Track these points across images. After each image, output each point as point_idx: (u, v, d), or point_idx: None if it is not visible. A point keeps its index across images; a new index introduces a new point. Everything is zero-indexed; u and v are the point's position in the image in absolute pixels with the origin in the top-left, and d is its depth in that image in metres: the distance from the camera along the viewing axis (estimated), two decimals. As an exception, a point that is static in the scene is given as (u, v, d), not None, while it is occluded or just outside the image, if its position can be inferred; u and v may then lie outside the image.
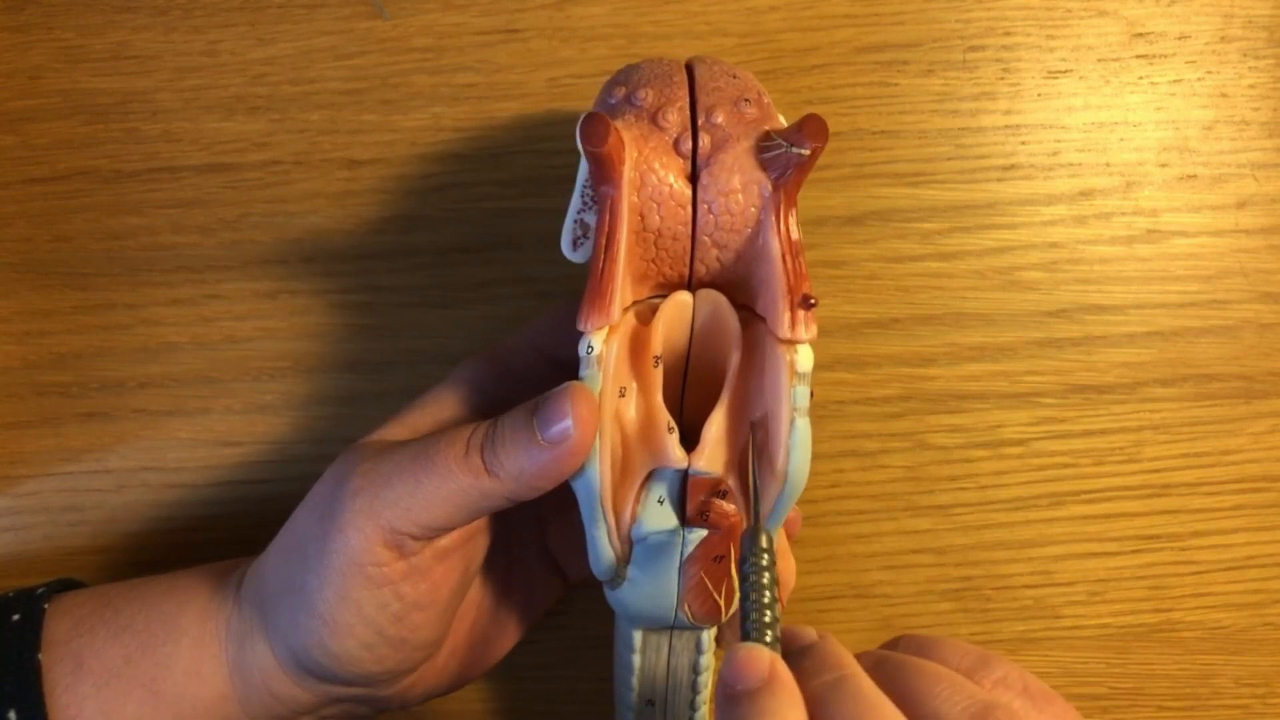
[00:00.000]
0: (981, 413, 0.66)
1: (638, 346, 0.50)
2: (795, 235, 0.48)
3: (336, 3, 0.66)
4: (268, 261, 0.66)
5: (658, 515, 0.49)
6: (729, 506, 0.49)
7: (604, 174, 0.47)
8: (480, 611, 0.59)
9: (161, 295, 0.66)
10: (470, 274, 0.66)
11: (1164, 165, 0.66)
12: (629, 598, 0.52)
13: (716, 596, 0.51)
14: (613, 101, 0.51)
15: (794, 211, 0.48)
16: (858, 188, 0.66)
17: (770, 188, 0.48)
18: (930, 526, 0.67)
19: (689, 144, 0.48)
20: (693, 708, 0.57)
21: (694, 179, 0.49)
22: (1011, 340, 0.66)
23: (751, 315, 0.51)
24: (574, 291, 0.49)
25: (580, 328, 0.48)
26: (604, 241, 0.47)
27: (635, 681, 0.56)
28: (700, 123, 0.49)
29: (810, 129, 0.46)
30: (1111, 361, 0.66)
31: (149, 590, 0.56)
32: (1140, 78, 0.66)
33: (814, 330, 0.48)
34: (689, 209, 0.48)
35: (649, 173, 0.48)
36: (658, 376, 0.50)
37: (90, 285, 0.66)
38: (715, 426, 0.50)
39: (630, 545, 0.50)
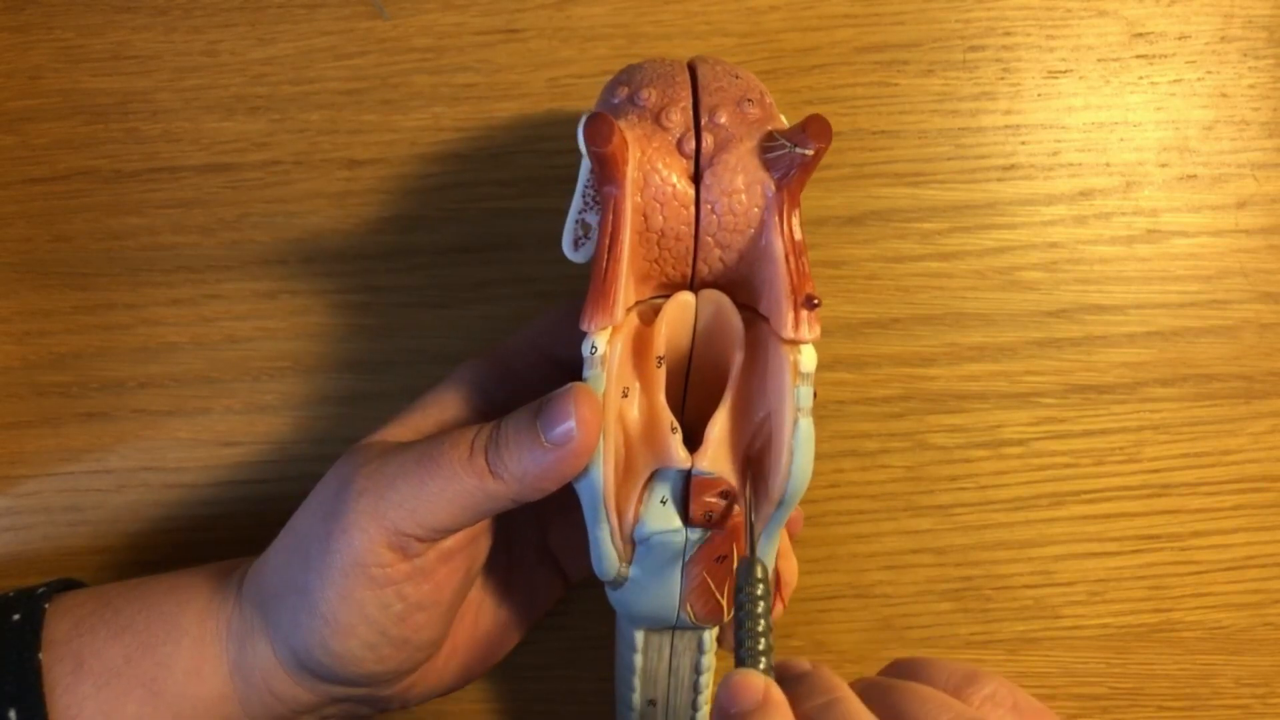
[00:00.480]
0: (981, 413, 0.66)
1: (641, 347, 0.50)
2: (798, 235, 0.48)
3: (336, 3, 0.66)
4: (268, 261, 0.66)
5: (660, 516, 0.49)
6: (732, 507, 0.49)
7: (607, 174, 0.47)
8: (481, 611, 0.59)
9: (161, 295, 0.66)
10: (470, 274, 0.66)
11: (1164, 165, 0.66)
12: (631, 598, 0.52)
13: (719, 597, 0.51)
14: (615, 101, 0.51)
15: (797, 212, 0.48)
16: (858, 188, 0.66)
17: (773, 188, 0.48)
18: (930, 526, 0.67)
19: (692, 144, 0.48)
20: (694, 708, 0.57)
21: (697, 179, 0.49)
22: (1011, 340, 0.66)
23: (754, 315, 0.51)
24: (574, 292, 0.49)
25: (583, 328, 0.48)
26: (607, 242, 0.47)
27: (637, 681, 0.56)
28: (703, 123, 0.49)
29: (814, 129, 0.46)
30: (1111, 361, 0.66)
31: (149, 590, 0.56)
32: (1140, 78, 0.66)
33: (817, 330, 0.48)
34: (692, 209, 0.48)
35: (652, 173, 0.48)
36: (661, 377, 0.50)
37: (90, 285, 0.66)
38: (718, 427, 0.50)
39: (633, 546, 0.50)
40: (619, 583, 0.51)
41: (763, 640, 0.45)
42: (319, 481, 0.53)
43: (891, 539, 0.67)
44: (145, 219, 0.66)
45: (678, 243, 0.49)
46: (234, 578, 0.56)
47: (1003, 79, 0.66)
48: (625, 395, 0.50)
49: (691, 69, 0.52)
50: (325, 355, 0.66)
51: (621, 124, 0.48)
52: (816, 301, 0.48)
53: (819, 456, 0.62)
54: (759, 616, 0.45)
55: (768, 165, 0.48)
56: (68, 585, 0.58)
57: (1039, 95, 0.66)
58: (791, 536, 0.59)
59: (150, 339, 0.66)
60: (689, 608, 0.51)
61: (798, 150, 0.46)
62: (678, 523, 0.49)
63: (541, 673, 0.68)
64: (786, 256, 0.48)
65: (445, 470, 0.48)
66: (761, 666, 0.44)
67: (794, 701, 0.43)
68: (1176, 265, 0.66)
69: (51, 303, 0.66)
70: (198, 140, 0.66)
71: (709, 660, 0.56)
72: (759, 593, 0.46)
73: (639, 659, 0.55)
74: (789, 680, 0.46)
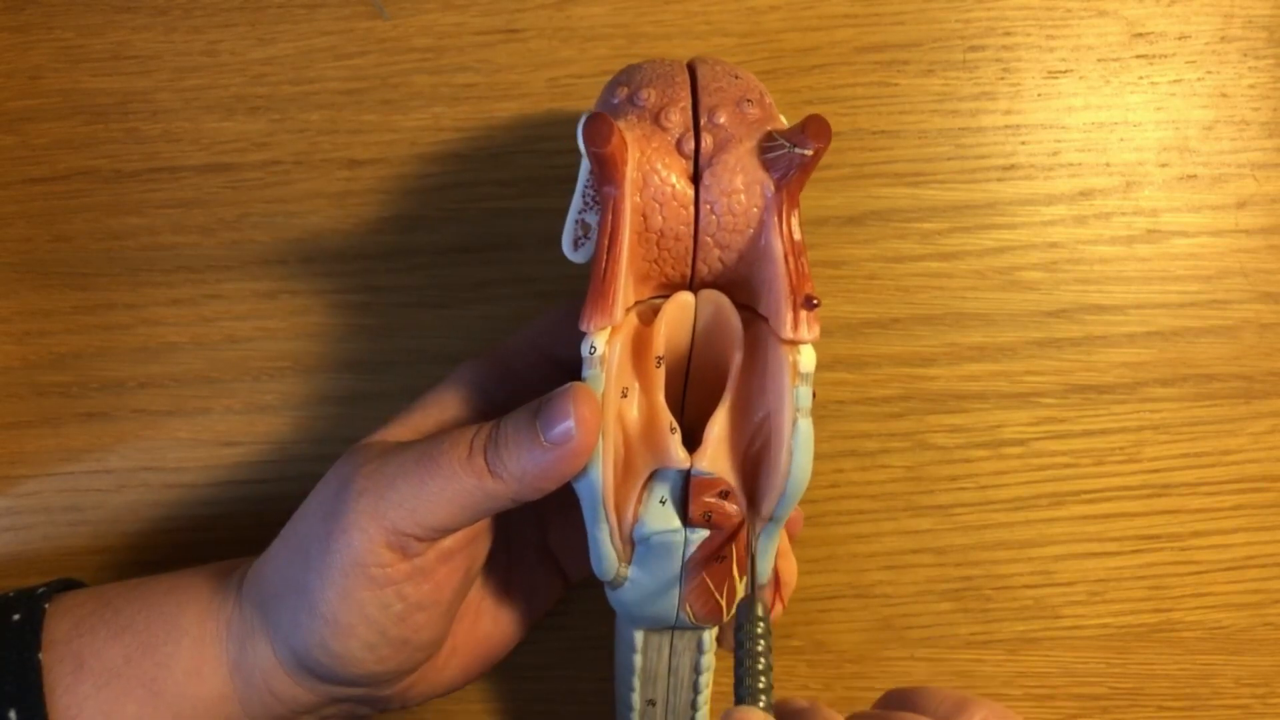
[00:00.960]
0: (981, 413, 0.66)
1: (640, 347, 0.50)
2: (798, 235, 0.48)
3: (336, 3, 0.66)
4: (268, 261, 0.66)
5: (660, 516, 0.49)
6: (731, 507, 0.49)
7: (607, 174, 0.47)
8: (481, 611, 0.59)
9: (161, 295, 0.66)
10: (470, 274, 0.66)
11: (1164, 165, 0.66)
12: (630, 598, 0.52)
13: (718, 597, 0.51)
14: (615, 102, 0.51)
15: (797, 212, 0.48)
16: (858, 188, 0.66)
17: (773, 188, 0.48)
18: (930, 526, 0.67)
19: (691, 144, 0.48)
20: (694, 708, 0.57)
21: (696, 179, 0.49)
22: (1011, 340, 0.66)
23: (754, 315, 0.51)
24: (574, 292, 0.49)
25: (583, 328, 0.48)
26: (606, 242, 0.47)
27: (636, 682, 0.56)
28: (703, 123, 0.49)
29: (813, 129, 0.46)
30: (1111, 361, 0.66)
31: (149, 590, 0.56)
32: (1140, 78, 0.66)
33: (816, 331, 0.48)
34: (691, 209, 0.48)
35: (651, 173, 0.48)
36: (660, 377, 0.50)
37: (90, 285, 0.66)
38: (718, 427, 0.50)
39: (632, 546, 0.50)
40: (618, 583, 0.51)
41: (763, 679, 0.45)
42: (319, 482, 0.53)
43: (891, 539, 0.67)
44: (145, 219, 0.66)
45: (677, 243, 0.49)
46: (234, 578, 0.56)
47: (1003, 79, 0.66)
48: (624, 395, 0.50)
49: (691, 69, 0.52)
50: (325, 355, 0.66)
51: (621, 124, 0.48)
52: (816, 302, 0.48)
53: (819, 456, 0.62)
54: (759, 655, 0.45)
55: (767, 165, 0.48)
56: (68, 585, 0.58)
57: (1039, 95, 0.66)
58: (791, 537, 0.59)
59: (150, 339, 0.66)
60: (688, 608, 0.51)
61: (797, 150, 0.46)
62: (677, 523, 0.49)
63: (541, 673, 0.68)
64: (786, 256, 0.48)
65: (445, 470, 0.48)
66: (761, 705, 0.44)
67: None
68: (1176, 265, 0.66)
69: (51, 303, 0.66)
70: (198, 140, 0.66)
71: (708, 660, 0.56)
72: (759, 631, 0.46)
73: (638, 659, 0.55)
74: (788, 716, 0.46)
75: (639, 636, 0.55)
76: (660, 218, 0.48)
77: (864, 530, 0.67)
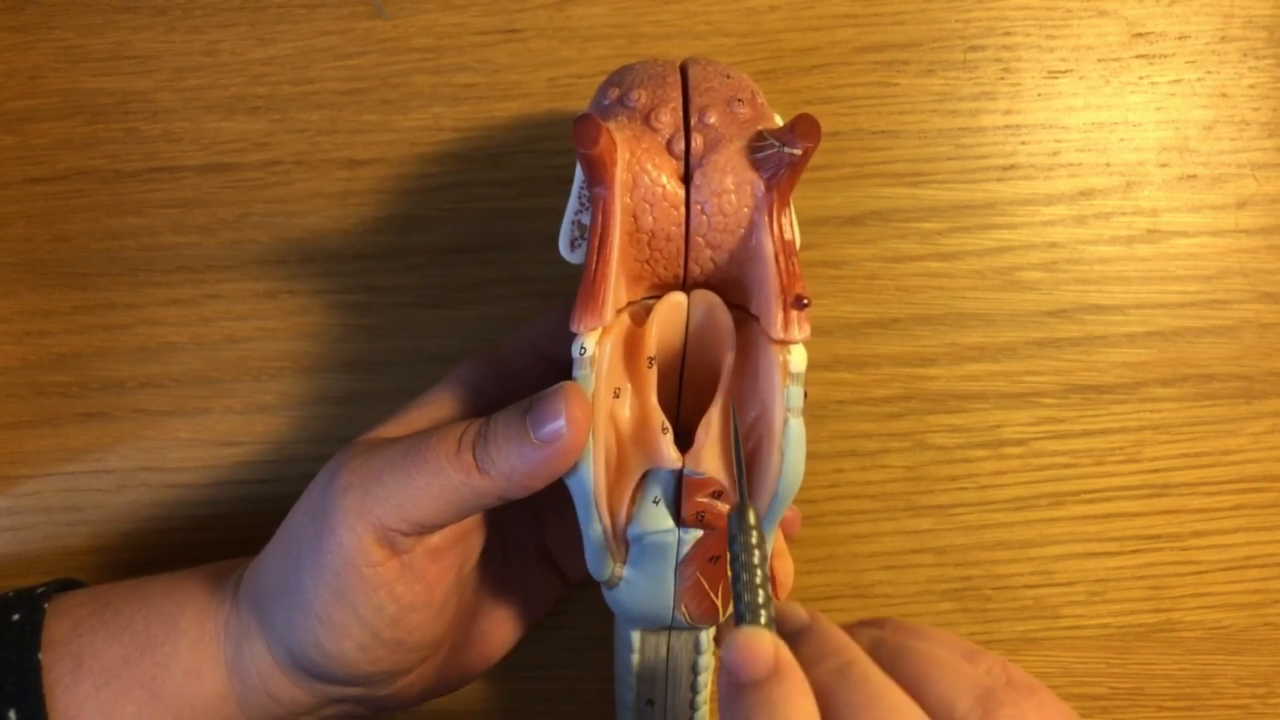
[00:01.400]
0: (981, 413, 0.66)
1: (632, 347, 0.50)
2: (788, 235, 0.48)
3: (336, 3, 0.66)
4: (268, 261, 0.66)
5: (653, 516, 0.49)
6: (724, 507, 0.49)
7: (596, 175, 0.47)
8: (479, 611, 0.59)
9: (161, 295, 0.66)
10: (468, 274, 0.66)
11: (1164, 165, 0.66)
12: (626, 598, 0.52)
13: (713, 597, 0.51)
14: (606, 103, 0.51)
15: (787, 211, 0.48)
16: (858, 188, 0.66)
17: (763, 187, 0.48)
18: (930, 526, 0.67)
19: (681, 144, 0.48)
20: (693, 707, 0.57)
21: (687, 180, 0.48)
22: (1011, 340, 0.66)
23: (746, 315, 0.51)
24: (572, 292, 0.49)
25: (573, 329, 0.48)
26: (596, 243, 0.47)
27: (634, 681, 0.56)
28: (693, 123, 0.49)
29: (802, 129, 0.46)
30: (1111, 361, 0.66)
31: (148, 590, 0.56)
32: (1140, 78, 0.66)
33: (807, 330, 0.48)
34: (682, 210, 0.48)
35: (641, 174, 0.48)
36: (652, 377, 0.50)
37: (90, 285, 0.66)
38: (710, 427, 0.50)
39: (626, 546, 0.50)
40: (613, 583, 0.51)
41: (761, 592, 0.43)
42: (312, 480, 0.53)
43: (891, 539, 0.67)
44: (145, 219, 0.66)
45: (668, 243, 0.49)
46: (231, 578, 0.56)
47: (1003, 79, 0.66)
48: (617, 395, 0.50)
49: (683, 70, 0.52)
50: (324, 355, 0.66)
51: (611, 125, 0.48)
52: (806, 302, 0.47)
53: (819, 456, 0.63)
54: (755, 567, 0.44)
55: (757, 165, 0.48)
56: (67, 585, 0.58)
57: (1039, 95, 0.66)
58: (788, 537, 0.59)
59: (150, 339, 0.66)
60: (683, 608, 0.51)
61: (786, 150, 0.46)
62: (670, 523, 0.49)
63: (541, 673, 0.68)
64: (776, 256, 0.48)
65: (431, 465, 0.48)
66: (763, 621, 0.43)
67: (803, 663, 0.42)
68: (1176, 265, 0.66)
69: (51, 303, 0.66)
70: (198, 140, 0.66)
71: (706, 660, 0.56)
72: (753, 541, 0.44)
73: (636, 659, 0.55)
74: (793, 636, 0.45)
75: (636, 636, 0.55)
76: (651, 218, 0.48)
77: (864, 530, 0.67)
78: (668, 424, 0.49)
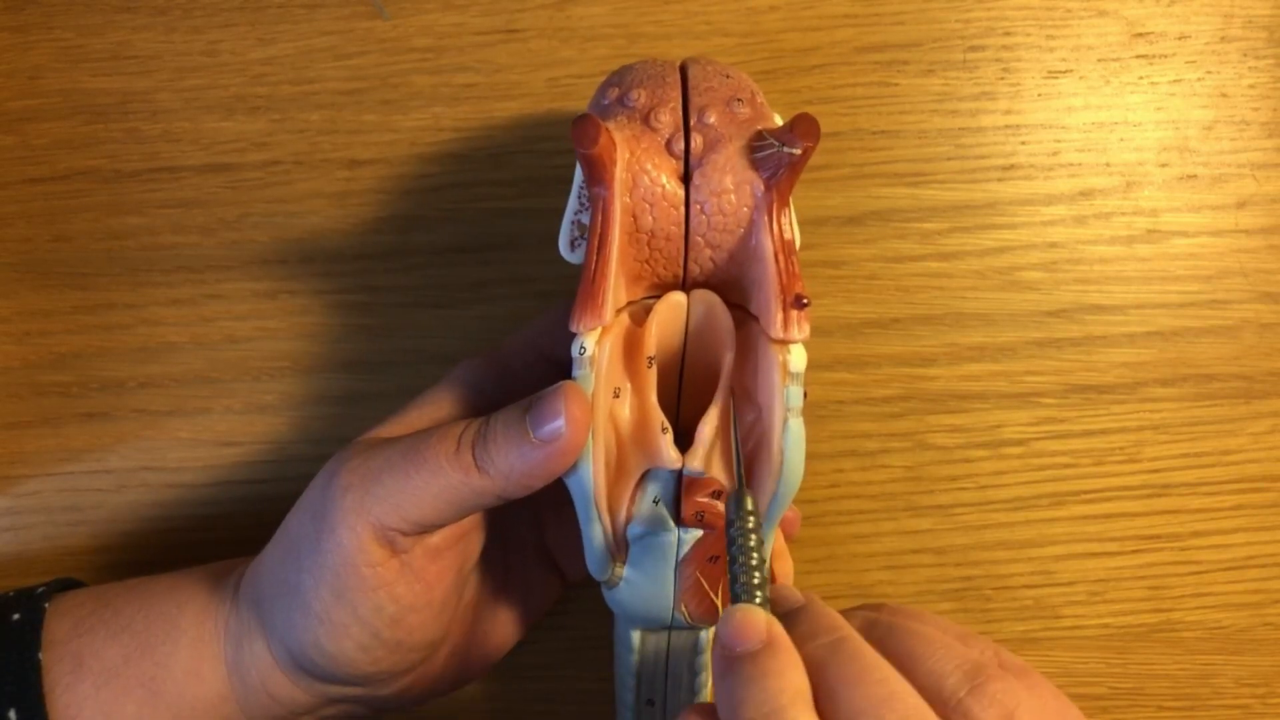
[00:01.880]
0: (981, 413, 0.66)
1: (631, 347, 0.50)
2: (788, 235, 0.48)
3: (336, 3, 0.66)
4: (268, 261, 0.66)
5: (653, 516, 0.49)
6: (724, 507, 0.49)
7: (595, 175, 0.47)
8: (479, 611, 0.59)
9: (161, 295, 0.66)
10: (468, 274, 0.66)
11: (1164, 165, 0.66)
12: (626, 598, 0.52)
13: (713, 597, 0.51)
14: (606, 103, 0.51)
15: (787, 211, 0.48)
16: (858, 188, 0.66)
17: (762, 187, 0.48)
18: (930, 526, 0.67)
19: (681, 144, 0.48)
20: (693, 707, 0.57)
21: (686, 179, 0.48)
22: (1011, 340, 0.66)
23: (745, 315, 0.51)
24: (572, 292, 0.49)
25: (572, 329, 0.48)
26: (596, 243, 0.47)
27: (634, 681, 0.56)
28: (692, 123, 0.49)
29: (801, 128, 0.46)
30: (1111, 361, 0.66)
31: (148, 590, 0.56)
32: (1140, 78, 0.66)
33: (806, 330, 0.48)
34: (682, 209, 0.48)
35: (641, 174, 0.48)
36: (651, 377, 0.50)
37: (90, 285, 0.66)
38: (709, 427, 0.50)
39: (626, 545, 0.50)
40: (613, 583, 0.51)
41: (757, 574, 0.44)
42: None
43: (891, 539, 0.67)
44: (145, 219, 0.66)
45: (668, 243, 0.49)
46: (232, 578, 0.56)
47: (1003, 79, 0.66)
48: (617, 395, 0.50)
49: (683, 69, 0.52)
50: (324, 355, 0.66)
51: (610, 125, 0.48)
52: (806, 301, 0.47)
53: (819, 456, 0.63)
54: (752, 550, 0.45)
55: (756, 165, 0.48)
56: (67, 585, 0.58)
57: (1039, 95, 0.66)
58: (788, 537, 0.59)
59: (150, 339, 0.66)
60: (683, 608, 0.51)
61: (785, 150, 0.46)
62: (670, 523, 0.49)
63: (541, 673, 0.68)
64: (776, 256, 0.48)
65: (431, 464, 0.48)
66: (759, 600, 0.44)
67: (796, 640, 0.42)
68: (1176, 265, 0.66)
69: (51, 303, 0.66)
70: (198, 140, 0.66)
71: (706, 660, 0.56)
72: (750, 525, 0.45)
73: (636, 659, 0.56)
74: (787, 616, 0.45)
75: (636, 636, 0.55)
76: (650, 218, 0.48)
77: (864, 530, 0.67)
78: (667, 424, 0.49)
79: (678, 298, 0.51)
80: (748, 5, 0.66)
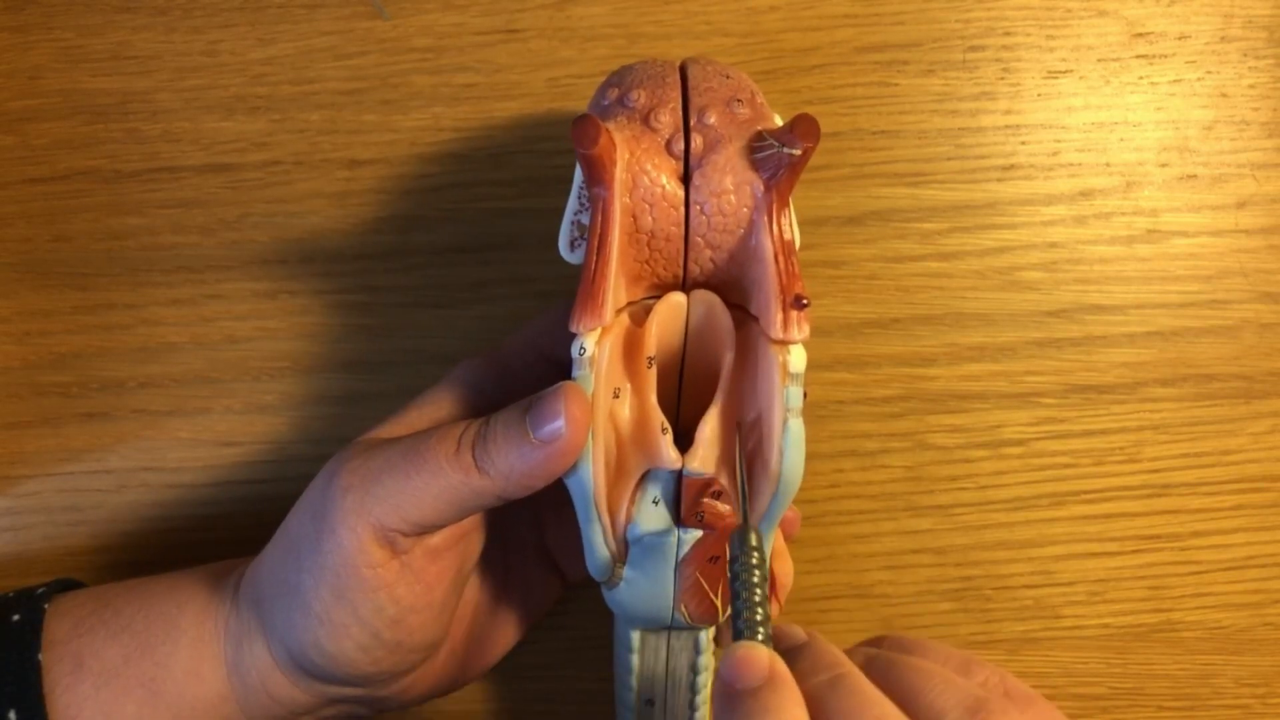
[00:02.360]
0: (981, 413, 0.66)
1: (631, 348, 0.50)
2: (788, 235, 0.48)
3: (336, 3, 0.66)
4: (268, 261, 0.66)
5: (653, 516, 0.49)
6: (723, 507, 0.49)
7: (595, 176, 0.47)
8: (479, 612, 0.59)
9: (161, 295, 0.66)
10: (468, 274, 0.66)
11: (1164, 165, 0.66)
12: (626, 598, 0.52)
13: (713, 597, 0.51)
14: (605, 103, 0.51)
15: (786, 212, 0.48)
16: (858, 188, 0.66)
17: (762, 188, 0.48)
18: (930, 526, 0.67)
19: (681, 145, 0.48)
20: (692, 707, 0.57)
21: (686, 180, 0.48)
22: (1011, 340, 0.66)
23: (745, 315, 0.51)
24: (572, 292, 0.49)
25: (572, 329, 0.48)
26: (596, 243, 0.47)
27: (634, 681, 0.56)
28: (692, 123, 0.49)
29: (801, 129, 0.46)
30: (1111, 361, 0.66)
31: (148, 590, 0.56)
32: (1140, 78, 0.66)
33: (806, 330, 0.48)
34: (681, 210, 0.48)
35: (641, 174, 0.48)
36: (651, 377, 0.50)
37: (90, 285, 0.66)
38: (709, 427, 0.50)
39: (626, 546, 0.50)
40: (613, 583, 0.51)
41: (760, 610, 0.44)
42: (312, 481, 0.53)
43: (891, 539, 0.67)
44: (145, 219, 0.66)
45: (668, 243, 0.49)
46: (232, 578, 0.56)
47: (1003, 79, 0.66)
48: (616, 396, 0.50)
49: (683, 70, 0.52)
50: (324, 355, 0.66)
51: (610, 125, 0.48)
52: (805, 302, 0.47)
53: (819, 456, 0.63)
54: (755, 586, 0.44)
55: (756, 165, 0.48)
56: (67, 585, 0.58)
57: (1039, 95, 0.66)
58: (788, 537, 0.59)
59: (150, 339, 0.66)
60: (683, 608, 0.51)
61: (785, 150, 0.46)
62: (670, 523, 0.49)
63: (541, 673, 0.68)
64: (776, 257, 0.48)
65: (431, 465, 0.48)
66: (760, 637, 0.43)
67: (798, 676, 0.42)
68: (1176, 265, 0.66)
69: (51, 303, 0.66)
70: (198, 140, 0.66)
71: (706, 660, 0.56)
72: (754, 561, 0.45)
73: (635, 659, 0.55)
74: (789, 652, 0.46)
75: (636, 636, 0.55)
76: (650, 218, 0.48)
77: (864, 530, 0.67)
78: (667, 424, 0.49)
79: (678, 298, 0.51)
80: (748, 5, 0.66)
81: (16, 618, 0.54)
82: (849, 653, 0.47)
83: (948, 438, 0.66)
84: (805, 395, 0.48)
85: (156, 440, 0.67)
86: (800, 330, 0.48)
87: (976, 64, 0.66)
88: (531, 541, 0.61)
